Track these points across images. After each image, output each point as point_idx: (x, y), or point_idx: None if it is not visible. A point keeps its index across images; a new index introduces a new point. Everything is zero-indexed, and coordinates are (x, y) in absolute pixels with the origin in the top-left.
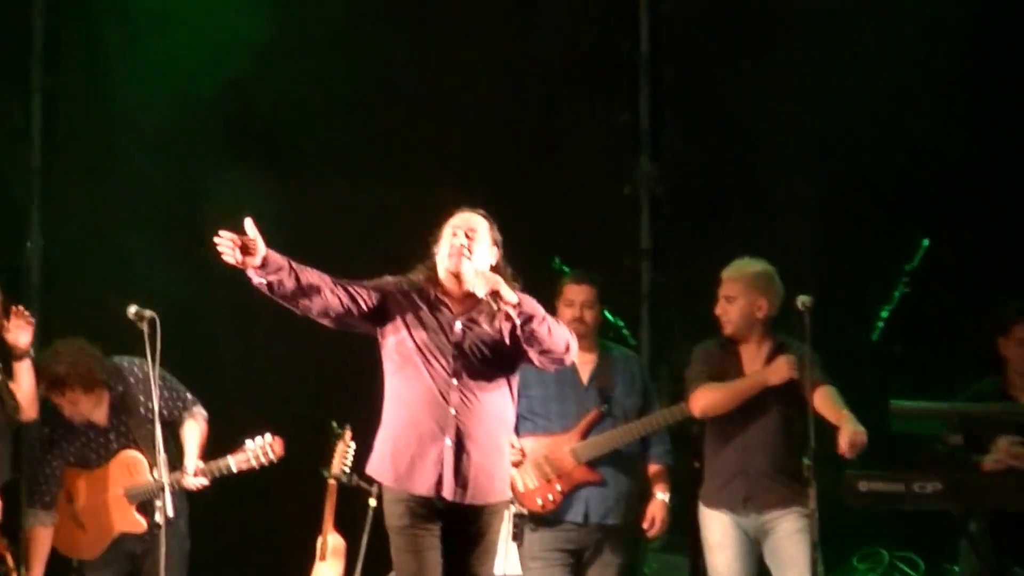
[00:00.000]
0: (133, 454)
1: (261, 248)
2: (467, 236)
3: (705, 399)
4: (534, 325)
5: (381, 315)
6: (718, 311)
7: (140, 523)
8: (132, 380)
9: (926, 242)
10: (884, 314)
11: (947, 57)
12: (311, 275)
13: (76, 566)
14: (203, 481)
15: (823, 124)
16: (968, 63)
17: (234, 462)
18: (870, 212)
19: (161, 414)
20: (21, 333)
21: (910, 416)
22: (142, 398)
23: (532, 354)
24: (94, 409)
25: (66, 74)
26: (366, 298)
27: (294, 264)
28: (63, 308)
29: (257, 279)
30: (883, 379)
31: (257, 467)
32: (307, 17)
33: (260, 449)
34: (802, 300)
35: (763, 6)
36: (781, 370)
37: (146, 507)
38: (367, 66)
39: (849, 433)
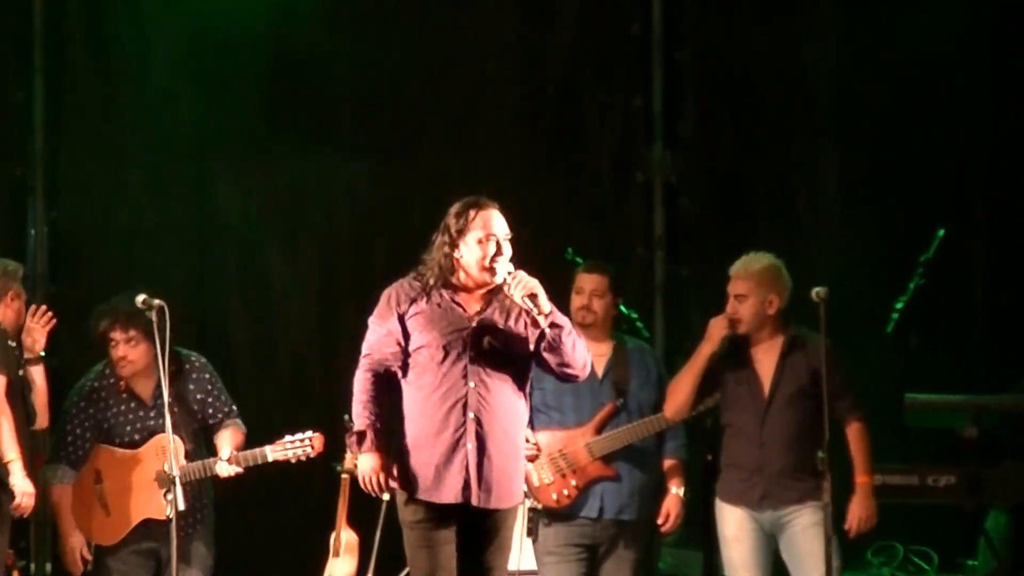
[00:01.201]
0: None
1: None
2: (498, 247)
3: (668, 403)
4: (562, 336)
5: (406, 339)
6: (729, 310)
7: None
8: (188, 367)
9: (941, 232)
10: (899, 305)
11: (965, 46)
12: (386, 400)
13: (92, 551)
14: (236, 468)
15: (839, 112)
16: (987, 53)
17: (271, 452)
18: (886, 201)
19: (205, 414)
20: (38, 335)
21: (925, 409)
22: (192, 387)
23: (551, 362)
24: (144, 371)
25: (69, 54)
26: (401, 341)
27: (380, 420)
28: (68, 297)
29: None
30: (898, 371)
31: (293, 460)
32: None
33: (299, 443)
34: (817, 291)
35: None
36: (712, 335)
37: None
38: (382, 51)
39: (861, 513)
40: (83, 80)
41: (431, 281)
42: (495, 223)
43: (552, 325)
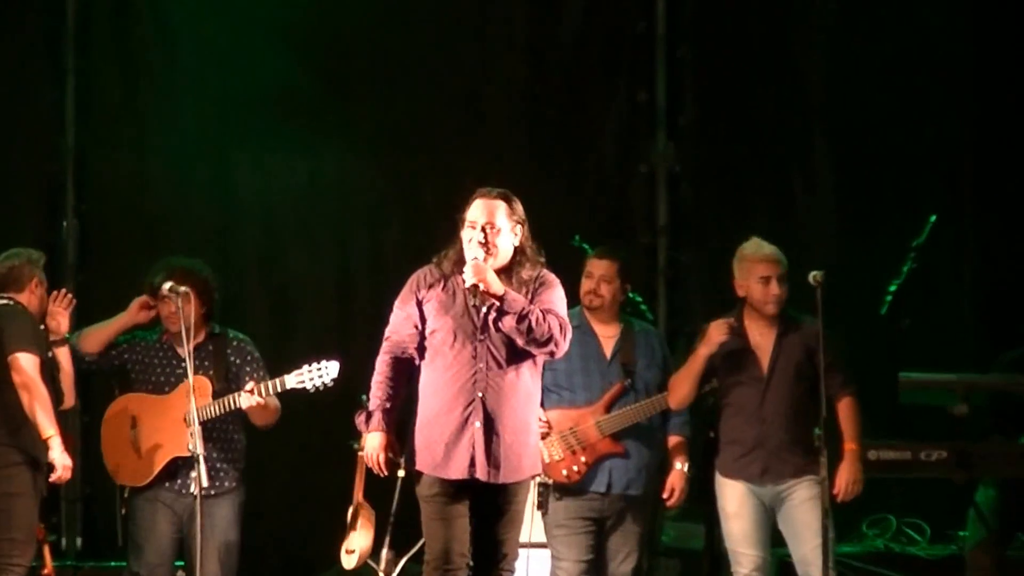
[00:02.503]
0: (200, 378)
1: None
2: (484, 230)
3: (673, 392)
4: (505, 320)
5: (423, 322)
6: (760, 294)
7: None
8: (234, 340)
9: (933, 218)
10: (893, 288)
11: (953, 43)
12: (401, 383)
13: (126, 496)
14: (258, 399)
15: (832, 105)
16: (972, 49)
17: (291, 379)
18: (879, 189)
19: (240, 379)
20: (61, 319)
21: (918, 387)
22: (232, 354)
23: (520, 342)
24: (194, 325)
25: (98, 55)
26: (418, 324)
27: (396, 403)
28: (98, 286)
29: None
30: (892, 351)
31: (311, 388)
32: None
33: (317, 371)
34: (814, 275)
35: None
36: (711, 337)
37: (205, 431)
38: (395, 48)
39: (848, 477)
40: (111, 81)
41: (448, 268)
42: (477, 210)
43: (499, 310)
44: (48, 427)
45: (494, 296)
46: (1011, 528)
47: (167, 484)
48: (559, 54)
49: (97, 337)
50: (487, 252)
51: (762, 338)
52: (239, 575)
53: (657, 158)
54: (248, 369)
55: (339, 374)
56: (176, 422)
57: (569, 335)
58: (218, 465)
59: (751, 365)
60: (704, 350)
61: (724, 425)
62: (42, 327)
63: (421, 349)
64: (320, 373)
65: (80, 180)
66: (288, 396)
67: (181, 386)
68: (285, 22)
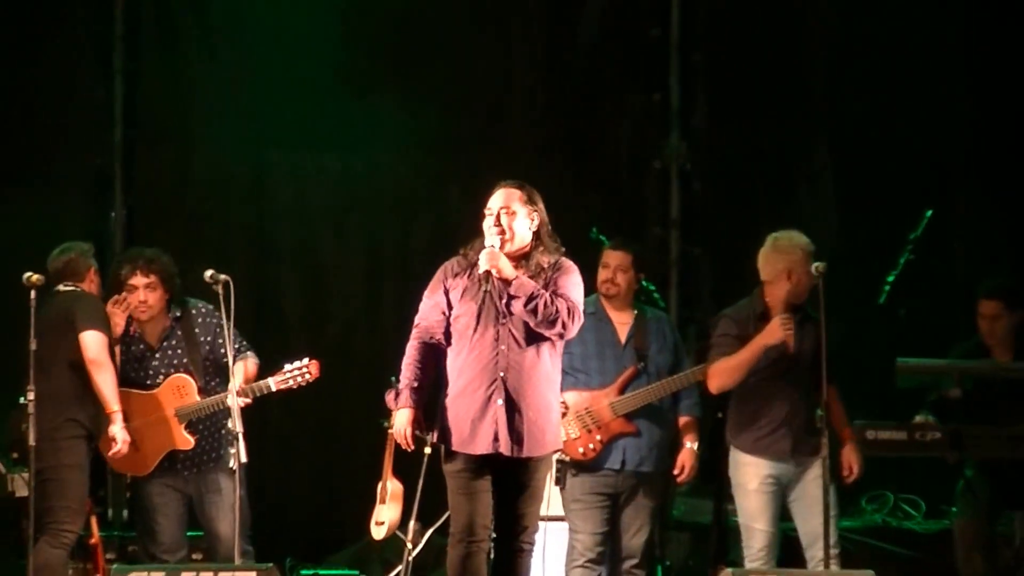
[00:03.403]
0: (183, 376)
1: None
2: (499, 215)
3: (719, 378)
4: (515, 304)
5: (449, 309)
6: (808, 284)
7: (188, 440)
8: (194, 312)
9: (929, 212)
10: (890, 279)
11: (946, 52)
12: (429, 365)
13: (129, 483)
14: (245, 400)
15: (835, 107)
16: (963, 57)
17: (273, 382)
18: (877, 185)
19: (216, 354)
20: (119, 320)
21: (914, 372)
22: (197, 331)
23: (531, 324)
24: (157, 316)
25: (145, 58)
26: (445, 311)
27: (423, 383)
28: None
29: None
30: (889, 339)
31: (295, 387)
32: (369, 7)
33: (297, 370)
34: (816, 266)
35: None
36: (776, 332)
37: (194, 426)
38: (422, 55)
39: (857, 458)
40: (156, 82)
41: (473, 257)
42: (495, 198)
43: (510, 295)
44: (113, 402)
45: (505, 281)
46: (998, 504)
47: (169, 470)
48: (578, 59)
49: None
50: (502, 235)
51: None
52: (274, 543)
53: (670, 156)
54: (220, 341)
55: (369, 358)
56: (167, 419)
57: (579, 318)
58: (213, 443)
59: (774, 350)
60: (764, 341)
61: (747, 406)
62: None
63: (448, 335)
64: (301, 371)
65: (127, 174)
66: (321, 381)
67: (167, 383)
68: (318, 30)
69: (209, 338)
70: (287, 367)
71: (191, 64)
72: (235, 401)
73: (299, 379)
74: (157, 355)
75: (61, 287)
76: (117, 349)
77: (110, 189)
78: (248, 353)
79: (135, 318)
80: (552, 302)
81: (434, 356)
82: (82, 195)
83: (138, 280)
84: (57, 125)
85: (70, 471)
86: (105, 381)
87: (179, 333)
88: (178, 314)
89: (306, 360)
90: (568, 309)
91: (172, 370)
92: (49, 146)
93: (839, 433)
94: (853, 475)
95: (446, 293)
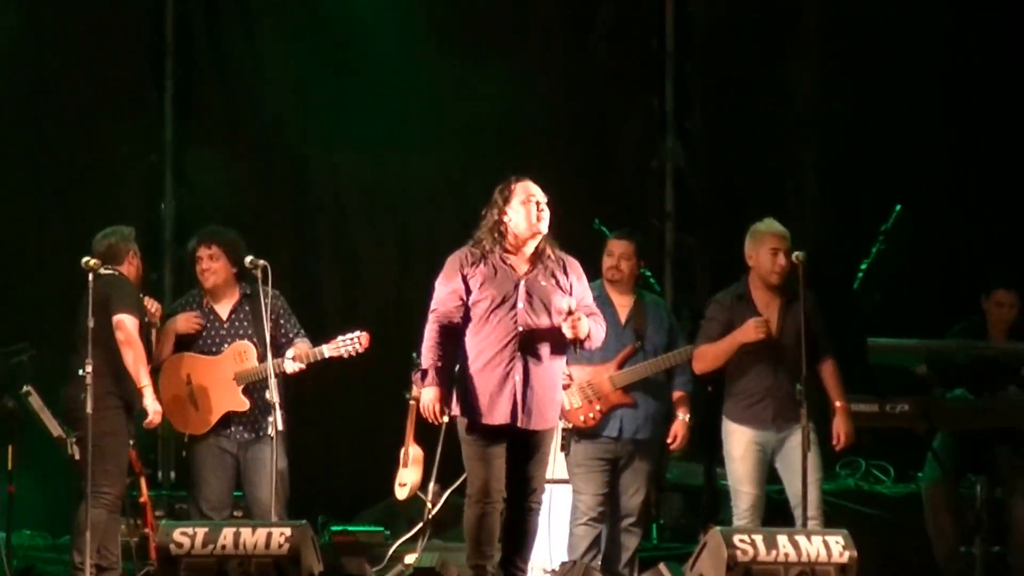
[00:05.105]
0: (245, 343)
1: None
2: (538, 207)
3: (701, 362)
4: (581, 344)
5: (468, 294)
6: (768, 264)
7: (244, 402)
8: (262, 294)
9: (898, 207)
10: (864, 267)
11: (919, 67)
12: (448, 346)
13: (186, 441)
14: (300, 365)
15: (819, 113)
16: (935, 73)
17: (327, 349)
18: (854, 183)
19: (276, 334)
20: (155, 311)
21: (884, 351)
22: (264, 311)
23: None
24: (224, 289)
25: (194, 65)
26: (463, 297)
27: (445, 363)
28: (191, 259)
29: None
30: (863, 320)
31: (346, 356)
32: (401, 20)
33: (349, 341)
34: (797, 255)
35: (770, 14)
36: (750, 333)
37: (250, 390)
38: (445, 65)
39: (847, 429)
40: (205, 85)
41: (487, 247)
42: (533, 188)
43: (579, 340)
44: (144, 377)
45: (580, 339)
46: (962, 469)
47: (223, 431)
48: (586, 68)
49: (159, 355)
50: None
51: (768, 306)
52: (307, 502)
53: (666, 156)
54: (282, 322)
55: (396, 337)
56: (227, 381)
57: (604, 330)
58: (264, 416)
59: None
60: (739, 339)
61: (735, 379)
62: (141, 295)
63: (466, 319)
64: (352, 342)
65: (177, 169)
66: (353, 362)
67: (230, 349)
68: (350, 45)
69: (273, 316)
70: (340, 337)
71: (236, 70)
72: (273, 378)
73: (350, 349)
74: (225, 325)
75: (102, 271)
76: (154, 332)
77: (161, 183)
78: (302, 338)
79: (203, 287)
80: (597, 324)
81: (452, 338)
82: (137, 189)
83: (202, 252)
84: (114, 126)
85: (108, 438)
86: (133, 359)
87: (247, 308)
88: (248, 292)
89: (358, 332)
90: (602, 327)
91: (237, 339)
92: (107, 145)
93: (831, 404)
94: (841, 444)
95: (464, 281)
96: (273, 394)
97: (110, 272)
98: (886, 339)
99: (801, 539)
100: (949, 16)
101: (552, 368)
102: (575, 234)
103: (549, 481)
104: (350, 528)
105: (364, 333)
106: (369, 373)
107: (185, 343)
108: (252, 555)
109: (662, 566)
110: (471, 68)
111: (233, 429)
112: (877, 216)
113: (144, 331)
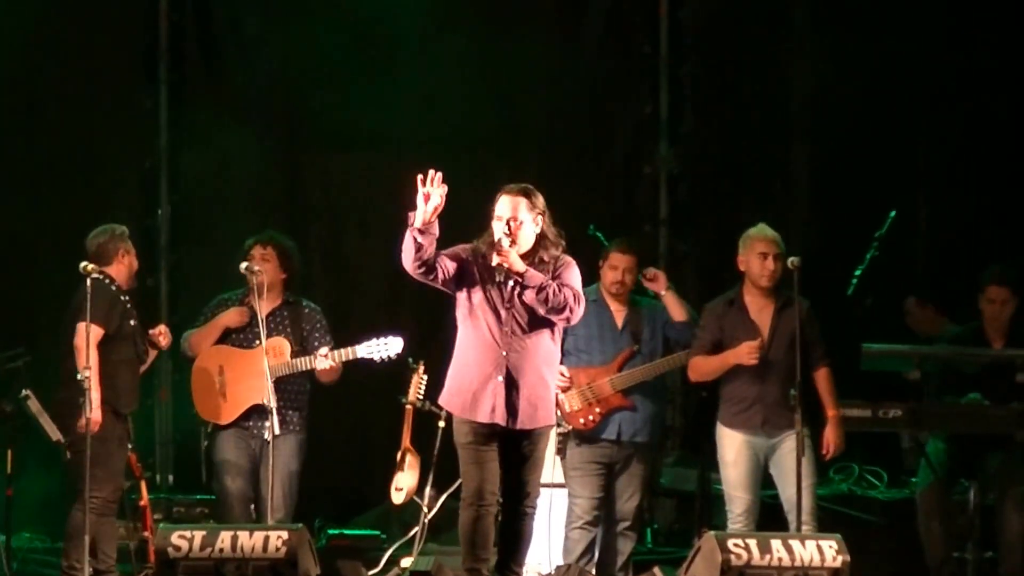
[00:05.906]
0: (280, 339)
1: (435, 209)
2: (508, 225)
3: (694, 373)
4: (527, 294)
5: (457, 279)
6: (758, 268)
7: (271, 397)
8: (306, 308)
9: (892, 213)
10: (858, 273)
11: (908, 74)
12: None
13: (208, 432)
14: (331, 363)
15: (809, 118)
16: (924, 80)
17: (360, 349)
18: (847, 189)
19: (308, 342)
20: (164, 343)
21: (878, 356)
22: (304, 322)
23: (541, 311)
24: (269, 289)
25: (187, 70)
26: (448, 267)
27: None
28: (187, 262)
29: (417, 239)
30: (856, 326)
31: (377, 360)
32: (396, 21)
33: (384, 344)
34: (791, 261)
35: (761, 19)
36: (741, 356)
37: (279, 388)
38: (439, 71)
39: (835, 439)
40: (198, 91)
41: (483, 249)
42: (503, 205)
43: (521, 286)
44: (86, 383)
45: (516, 273)
46: (955, 474)
47: (244, 425)
48: (580, 75)
49: (201, 342)
50: (513, 244)
51: (761, 311)
52: (303, 506)
53: (659, 161)
54: (316, 335)
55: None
56: (258, 375)
57: (583, 305)
58: (288, 410)
59: (753, 334)
60: (732, 360)
61: (726, 384)
62: (125, 298)
63: (446, 280)
64: (386, 346)
65: (172, 174)
66: (347, 365)
67: (266, 343)
68: (344, 47)
69: (308, 327)
70: (374, 340)
71: (229, 75)
72: (270, 382)
73: (382, 352)
74: (268, 326)
75: (92, 276)
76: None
77: (157, 187)
78: (329, 343)
79: (248, 286)
80: (560, 291)
81: (437, 260)
82: (132, 192)
83: (256, 251)
84: (110, 131)
85: (96, 442)
86: (74, 365)
87: (286, 313)
88: (291, 300)
89: (390, 337)
90: (573, 296)
91: (273, 336)
92: (103, 149)
93: (827, 412)
94: (831, 453)
95: (459, 260)
96: (271, 399)
97: (96, 277)
98: (880, 345)
99: (795, 543)
100: (943, 26)
101: (539, 371)
102: (569, 240)
103: (545, 485)
104: (347, 532)
105: (399, 338)
106: (364, 379)
107: (223, 336)
108: (249, 558)
109: (656, 570)
110: (465, 76)
111: (253, 423)
112: (870, 222)
113: (124, 334)
